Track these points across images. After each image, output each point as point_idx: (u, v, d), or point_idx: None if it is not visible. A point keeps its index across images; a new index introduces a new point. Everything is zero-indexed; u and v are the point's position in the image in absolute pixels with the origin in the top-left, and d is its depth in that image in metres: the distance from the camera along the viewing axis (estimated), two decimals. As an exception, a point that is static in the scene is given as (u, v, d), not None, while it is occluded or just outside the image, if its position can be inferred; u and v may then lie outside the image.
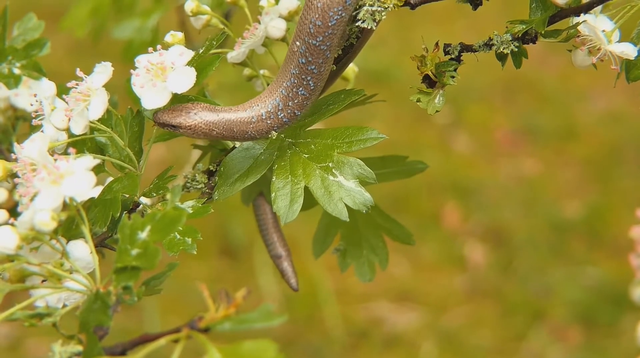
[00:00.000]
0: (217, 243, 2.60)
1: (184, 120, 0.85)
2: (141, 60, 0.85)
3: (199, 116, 0.85)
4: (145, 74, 0.84)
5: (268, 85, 0.90)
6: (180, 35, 0.89)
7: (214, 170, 0.93)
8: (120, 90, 0.92)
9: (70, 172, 0.76)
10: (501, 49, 0.86)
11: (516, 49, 0.86)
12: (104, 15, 1.45)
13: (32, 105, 0.89)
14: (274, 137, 0.87)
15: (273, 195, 0.85)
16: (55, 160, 0.77)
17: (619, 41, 0.85)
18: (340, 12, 0.81)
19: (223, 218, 2.61)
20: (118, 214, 0.83)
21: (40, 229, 0.74)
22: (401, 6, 0.84)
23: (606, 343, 2.40)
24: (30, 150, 0.81)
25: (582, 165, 2.92)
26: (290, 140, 0.88)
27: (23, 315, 0.76)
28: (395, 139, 2.82)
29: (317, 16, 0.81)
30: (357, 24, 0.83)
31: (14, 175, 0.84)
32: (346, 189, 0.84)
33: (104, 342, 0.73)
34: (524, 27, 0.85)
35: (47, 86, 0.87)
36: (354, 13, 0.83)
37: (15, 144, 0.84)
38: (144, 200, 0.88)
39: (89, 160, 0.76)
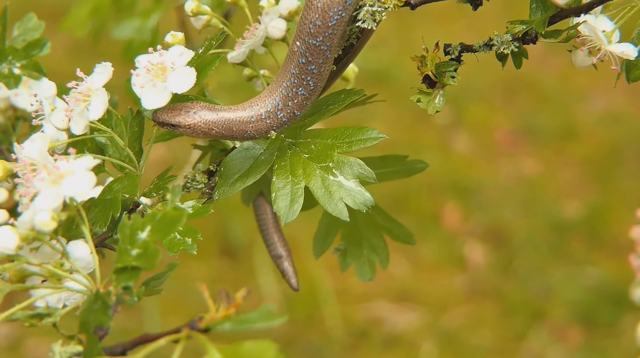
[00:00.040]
0: (217, 243, 2.60)
1: (183, 119, 0.85)
2: (141, 60, 0.85)
3: (199, 115, 0.85)
4: (146, 74, 0.84)
5: (268, 85, 0.90)
6: (180, 35, 0.89)
7: (214, 170, 0.93)
8: (121, 90, 0.92)
9: (71, 172, 0.76)
10: (501, 49, 0.86)
11: (516, 49, 0.86)
12: (104, 15, 1.45)
13: (32, 105, 0.89)
14: (273, 137, 0.87)
15: (273, 195, 0.85)
16: (56, 160, 0.77)
17: (619, 41, 0.85)
18: (340, 12, 0.81)
19: (223, 218, 2.61)
20: (118, 214, 0.83)
21: (41, 229, 0.74)
22: (401, 6, 0.84)
23: (606, 344, 2.40)
24: (30, 150, 0.81)
25: (582, 165, 2.92)
26: (290, 140, 0.88)
27: (23, 315, 0.76)
28: (395, 139, 2.82)
29: (317, 16, 0.81)
30: (357, 24, 0.83)
31: (14, 175, 0.84)
32: (346, 189, 0.84)
33: (104, 342, 0.73)
34: (524, 27, 0.85)
35: (47, 86, 0.87)
36: (354, 13, 0.83)
37: (15, 144, 0.84)
38: (144, 200, 0.88)
39: (89, 160, 0.76)
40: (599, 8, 0.85)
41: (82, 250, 0.79)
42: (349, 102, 0.88)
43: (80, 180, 0.75)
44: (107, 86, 0.85)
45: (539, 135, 3.03)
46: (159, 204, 0.88)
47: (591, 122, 3.07)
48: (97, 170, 0.83)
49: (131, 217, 0.87)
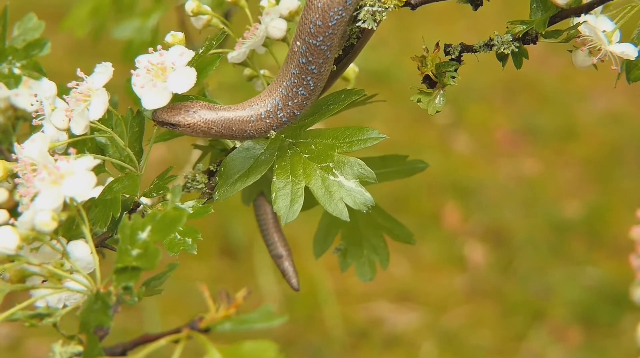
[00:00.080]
0: (217, 243, 2.60)
1: (183, 119, 0.85)
2: (141, 60, 0.85)
3: (198, 114, 0.85)
4: (146, 74, 0.84)
5: (268, 85, 0.90)
6: (180, 35, 0.89)
7: (214, 170, 0.93)
8: (121, 90, 0.92)
9: (71, 172, 0.76)
10: (502, 49, 0.86)
11: (517, 50, 0.86)
12: (104, 15, 1.45)
13: (32, 105, 0.89)
14: (272, 137, 0.87)
15: (273, 195, 0.85)
16: (56, 160, 0.77)
17: (620, 42, 0.85)
18: (340, 12, 0.81)
19: (223, 218, 2.61)
20: (118, 214, 0.83)
21: (41, 229, 0.74)
22: (402, 6, 0.84)
23: (606, 344, 2.40)
24: (30, 150, 0.81)
25: (582, 165, 2.92)
26: (290, 140, 0.88)
27: (23, 316, 0.76)
28: (396, 139, 2.82)
29: (317, 16, 0.81)
30: (357, 24, 0.83)
31: (14, 176, 0.84)
32: (347, 189, 0.84)
33: (105, 342, 0.73)
34: (525, 27, 0.85)
35: (47, 86, 0.87)
36: (355, 13, 0.83)
37: (15, 144, 0.84)
38: (144, 200, 0.88)
39: (90, 160, 0.76)
40: (600, 8, 0.85)
41: (82, 250, 0.79)
42: (349, 102, 0.88)
43: (80, 180, 0.75)
44: (107, 86, 0.85)
45: (539, 135, 3.03)
46: (159, 204, 0.88)
47: (591, 122, 3.07)
48: (98, 170, 0.83)
49: (131, 217, 0.87)
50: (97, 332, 0.72)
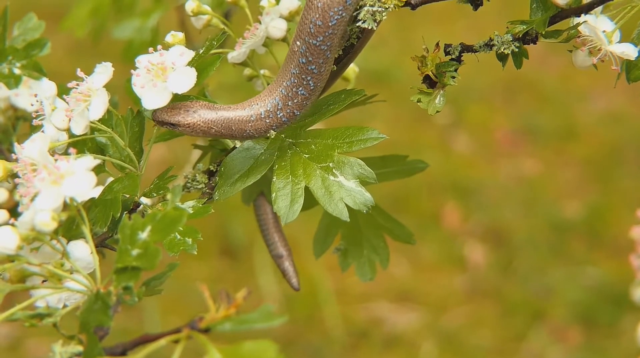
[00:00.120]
0: (217, 243, 2.60)
1: (182, 119, 0.85)
2: (142, 60, 0.85)
3: (198, 114, 0.85)
4: (146, 74, 0.84)
5: (268, 85, 0.90)
6: (180, 35, 0.89)
7: (214, 170, 0.93)
8: (121, 90, 0.92)
9: (71, 172, 0.76)
10: (502, 50, 0.86)
11: (517, 50, 0.86)
12: (104, 15, 1.45)
13: (32, 105, 0.89)
14: (272, 137, 0.87)
15: (274, 195, 0.85)
16: (56, 160, 0.77)
17: (620, 42, 0.85)
18: (340, 12, 0.81)
19: (223, 218, 2.61)
20: (118, 214, 0.83)
21: (41, 229, 0.74)
22: (402, 6, 0.84)
23: (606, 344, 2.40)
24: (30, 150, 0.81)
25: (582, 165, 2.92)
26: (290, 140, 0.88)
27: (23, 316, 0.76)
28: (396, 139, 2.82)
29: (317, 16, 0.81)
30: (357, 24, 0.83)
31: (14, 176, 0.84)
32: (347, 189, 0.84)
33: (105, 343, 0.73)
34: (525, 27, 0.85)
35: (47, 86, 0.87)
36: (355, 13, 0.83)
37: (15, 144, 0.84)
38: (144, 200, 0.88)
39: (90, 160, 0.76)
40: (600, 8, 0.85)
41: (82, 250, 0.79)
42: (350, 102, 0.88)
43: (80, 180, 0.75)
44: (107, 86, 0.85)
45: (539, 135, 3.03)
46: (160, 204, 0.88)
47: (591, 122, 3.07)
48: (98, 170, 0.83)
49: (131, 217, 0.87)
50: (97, 332, 0.72)
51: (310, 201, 0.86)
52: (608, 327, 2.44)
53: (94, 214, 0.84)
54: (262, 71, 0.97)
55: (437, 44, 0.86)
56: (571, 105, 3.14)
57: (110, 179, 0.88)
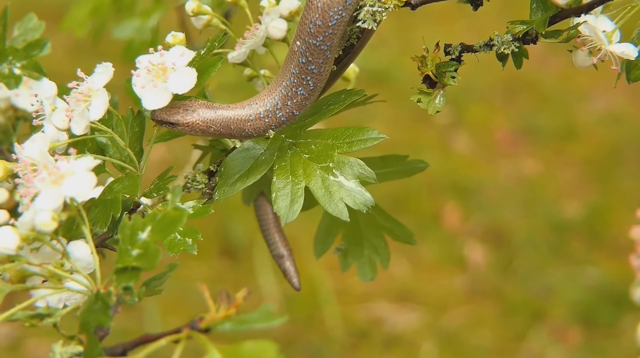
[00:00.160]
0: (217, 243, 2.60)
1: (181, 118, 0.85)
2: (142, 60, 0.85)
3: (197, 113, 0.85)
4: (146, 75, 0.84)
5: (268, 85, 0.90)
6: (181, 35, 0.89)
7: (214, 170, 0.93)
8: (121, 90, 0.92)
9: (71, 172, 0.76)
10: (502, 50, 0.86)
11: (517, 50, 0.86)
12: (104, 15, 1.45)
13: (32, 105, 0.89)
14: (271, 136, 0.87)
15: (274, 195, 0.85)
16: (56, 160, 0.77)
17: (620, 42, 0.85)
18: (340, 12, 0.81)
19: (223, 218, 2.61)
20: (119, 215, 0.83)
21: (41, 230, 0.74)
22: (402, 6, 0.84)
23: (606, 344, 2.40)
24: (31, 150, 0.81)
25: (582, 165, 2.92)
26: (290, 140, 0.88)
27: (24, 316, 0.76)
28: (396, 139, 2.82)
29: (317, 16, 0.81)
30: (357, 25, 0.83)
31: (14, 176, 0.84)
32: (347, 189, 0.84)
33: (105, 343, 0.73)
34: (525, 27, 0.85)
35: (47, 86, 0.87)
36: (355, 13, 0.83)
37: (16, 144, 0.84)
38: (144, 200, 0.88)
39: (90, 160, 0.76)
40: (600, 8, 0.85)
41: (82, 251, 0.79)
42: (350, 102, 0.88)
43: (80, 180, 0.75)
44: (107, 86, 0.85)
45: (539, 135, 3.03)
46: (160, 204, 0.88)
47: (591, 122, 3.07)
48: (98, 170, 0.83)
49: (132, 217, 0.87)
50: (97, 332, 0.72)
51: (310, 201, 0.86)
52: (608, 327, 2.44)
53: (94, 214, 0.84)
54: (262, 71, 0.97)
55: (437, 44, 0.86)
56: (571, 105, 3.14)
57: (111, 179, 0.88)
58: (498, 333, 2.43)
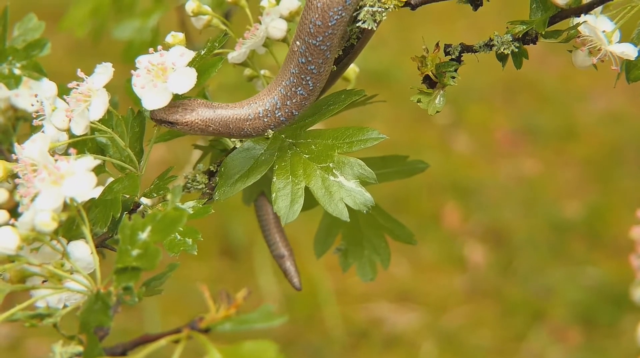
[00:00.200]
0: (217, 243, 2.60)
1: (180, 117, 0.85)
2: (142, 60, 0.85)
3: (196, 112, 0.86)
4: (146, 75, 0.84)
5: (268, 84, 0.90)
6: (181, 35, 0.89)
7: (214, 170, 0.93)
8: (121, 90, 0.92)
9: (71, 172, 0.76)
10: (502, 50, 0.86)
11: (517, 50, 0.86)
12: (104, 16, 1.45)
13: (32, 105, 0.89)
14: (270, 136, 0.87)
15: (274, 195, 0.85)
16: (56, 160, 0.77)
17: (620, 42, 0.85)
18: (340, 12, 0.81)
19: (223, 218, 2.61)
20: (119, 215, 0.83)
21: (41, 230, 0.74)
22: (402, 7, 0.84)
23: (606, 344, 2.40)
24: (31, 150, 0.81)
25: (582, 165, 2.92)
26: (290, 140, 0.88)
27: (24, 316, 0.76)
28: (396, 139, 2.82)
29: (317, 16, 0.81)
30: (357, 25, 0.83)
31: (14, 176, 0.84)
32: (347, 189, 0.84)
33: (105, 343, 0.73)
34: (525, 27, 0.85)
35: (47, 86, 0.87)
36: (355, 14, 0.83)
37: (16, 144, 0.84)
38: (144, 200, 0.88)
39: (90, 160, 0.76)
40: (599, 8, 0.85)
41: (82, 251, 0.79)
42: (350, 103, 0.88)
43: (80, 180, 0.75)
44: (107, 86, 0.85)
45: (539, 135, 3.03)
46: (160, 205, 0.88)
47: (591, 122, 3.07)
48: (98, 170, 0.83)
49: (132, 217, 0.87)
50: (97, 332, 0.72)
51: (310, 201, 0.86)
52: (608, 327, 2.44)
53: (94, 214, 0.84)
54: (262, 71, 0.97)
55: (437, 44, 0.86)
56: (571, 105, 3.14)
57: (111, 179, 0.88)
58: (498, 333, 2.43)
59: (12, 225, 0.75)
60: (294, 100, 0.85)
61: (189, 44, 0.91)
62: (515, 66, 0.87)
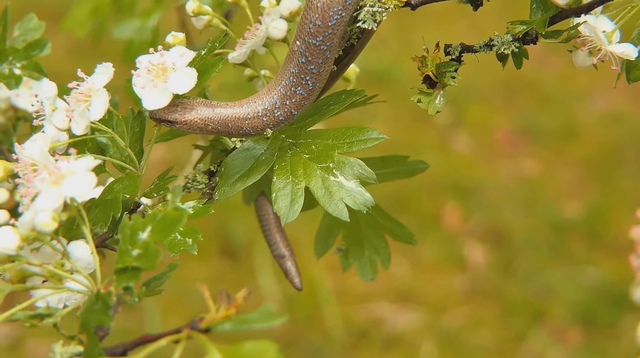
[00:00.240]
0: (217, 243, 2.60)
1: (180, 116, 0.85)
2: (142, 60, 0.85)
3: (195, 111, 0.86)
4: (147, 75, 0.84)
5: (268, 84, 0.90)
6: (181, 36, 0.89)
7: (214, 170, 0.93)
8: (121, 90, 0.92)
9: (71, 172, 0.76)
10: (502, 50, 0.86)
11: (517, 50, 0.86)
12: (104, 16, 1.45)
13: (33, 105, 0.89)
14: (269, 135, 0.87)
15: (274, 195, 0.85)
16: (56, 160, 0.77)
17: (620, 42, 0.85)
18: (340, 12, 0.81)
19: (223, 218, 2.61)
20: (119, 215, 0.83)
21: (41, 230, 0.74)
22: (402, 7, 0.84)
23: (606, 344, 2.40)
24: (31, 150, 0.81)
25: (582, 165, 2.92)
26: (291, 140, 0.88)
27: (24, 316, 0.76)
28: (396, 139, 2.82)
29: (317, 16, 0.81)
30: (357, 25, 0.83)
31: (15, 176, 0.84)
32: (347, 189, 0.84)
33: (105, 343, 0.73)
34: (525, 27, 0.85)
35: (48, 86, 0.88)
36: (355, 14, 0.83)
37: (16, 144, 0.84)
38: (144, 200, 0.88)
39: (90, 160, 0.76)
40: (600, 8, 0.85)
41: (82, 251, 0.79)
42: (350, 103, 0.88)
43: (81, 180, 0.75)
44: (107, 86, 0.85)
45: (539, 135, 3.03)
46: (160, 205, 0.88)
47: (591, 122, 3.07)
48: (98, 170, 0.83)
49: (132, 217, 0.87)
50: (97, 332, 0.72)
51: (310, 201, 0.86)
52: (608, 327, 2.44)
53: (94, 214, 0.84)
54: (262, 71, 0.97)
55: (437, 44, 0.86)
56: (571, 105, 3.14)
57: (111, 179, 0.88)
58: (498, 334, 2.43)
59: (13, 225, 0.75)
60: (293, 100, 0.85)
61: (190, 44, 0.91)
62: (515, 66, 0.87)
